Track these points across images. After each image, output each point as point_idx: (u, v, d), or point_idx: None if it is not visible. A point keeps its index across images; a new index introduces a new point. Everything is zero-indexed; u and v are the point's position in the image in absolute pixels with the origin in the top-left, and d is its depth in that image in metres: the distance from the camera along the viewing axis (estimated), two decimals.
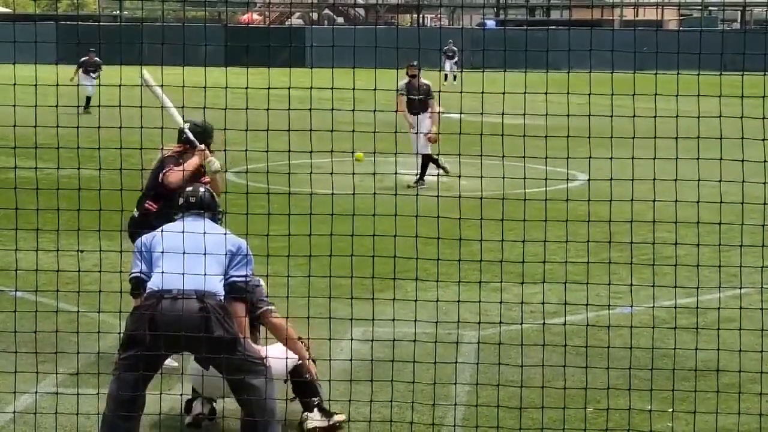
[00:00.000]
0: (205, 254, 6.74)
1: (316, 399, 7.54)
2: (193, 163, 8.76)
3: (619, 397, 7.72)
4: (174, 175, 8.70)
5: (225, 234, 7.08)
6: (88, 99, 31.97)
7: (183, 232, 6.82)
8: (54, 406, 7.40)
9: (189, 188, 7.57)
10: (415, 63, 19.76)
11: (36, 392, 7.89)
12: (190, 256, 6.71)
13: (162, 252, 6.85)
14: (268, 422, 6.71)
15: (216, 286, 6.76)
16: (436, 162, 19.68)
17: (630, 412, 7.31)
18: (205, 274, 6.65)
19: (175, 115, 8.85)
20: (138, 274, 6.99)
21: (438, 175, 18.58)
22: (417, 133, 19.09)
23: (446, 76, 47.69)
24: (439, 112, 19.79)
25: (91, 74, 32.69)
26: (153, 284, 6.75)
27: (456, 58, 49.73)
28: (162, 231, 7.07)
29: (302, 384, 7.44)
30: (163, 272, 6.73)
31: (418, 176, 19.54)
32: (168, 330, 6.56)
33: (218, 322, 6.59)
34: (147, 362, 6.62)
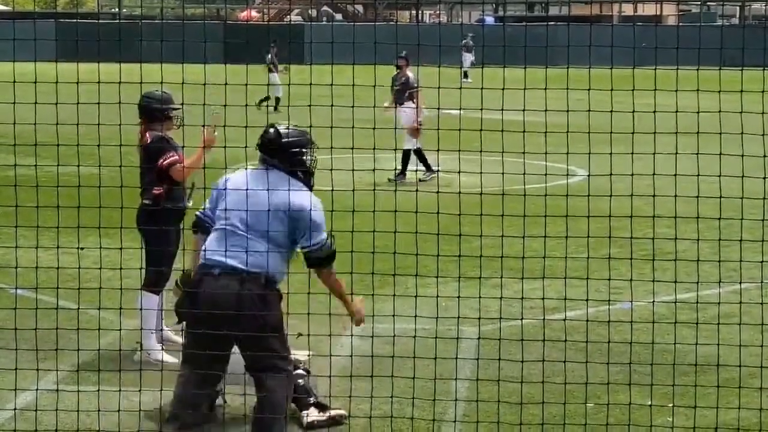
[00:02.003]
0: (264, 230, 6.63)
1: (311, 398, 7.56)
2: (199, 155, 8.81)
3: (619, 393, 7.73)
4: (179, 173, 8.75)
5: (291, 194, 6.68)
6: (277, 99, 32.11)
7: (246, 189, 6.66)
8: (54, 403, 7.41)
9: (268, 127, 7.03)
10: (403, 54, 19.96)
11: (36, 389, 7.89)
12: (248, 225, 6.61)
13: (223, 208, 6.75)
14: (275, 420, 6.70)
15: (271, 261, 6.63)
16: (424, 160, 19.63)
17: (630, 408, 7.32)
18: (259, 251, 6.58)
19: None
20: (200, 215, 6.95)
21: (416, 170, 18.74)
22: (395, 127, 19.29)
23: (466, 73, 46.72)
24: (418, 107, 19.73)
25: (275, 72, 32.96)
26: (203, 253, 6.72)
27: (473, 53, 49.36)
28: (238, 177, 6.86)
29: (295, 389, 7.47)
30: (214, 242, 6.68)
31: (398, 171, 19.25)
32: (208, 310, 6.52)
33: (253, 308, 6.54)
34: (204, 347, 6.59)
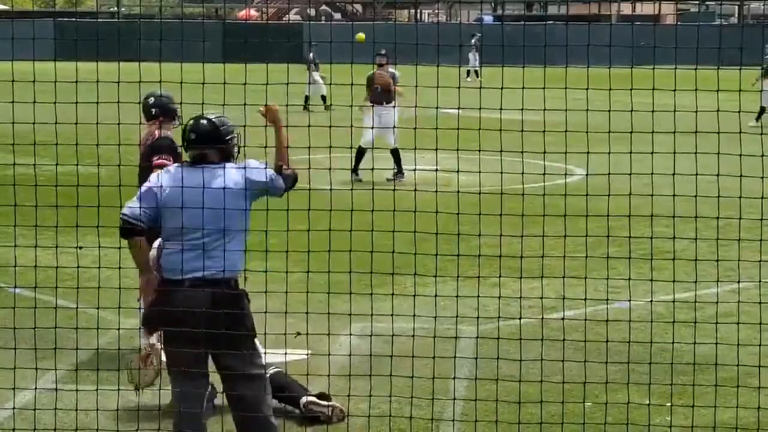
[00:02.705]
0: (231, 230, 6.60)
1: (304, 394, 7.58)
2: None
3: (617, 392, 7.73)
4: None
5: (233, 178, 6.57)
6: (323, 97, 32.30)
7: (191, 187, 6.48)
8: (53, 402, 7.41)
9: (190, 121, 6.82)
10: (383, 52, 19.75)
11: (35, 388, 7.89)
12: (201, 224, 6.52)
13: (175, 219, 6.53)
14: (260, 420, 6.68)
15: (232, 261, 6.60)
16: (399, 161, 19.60)
17: (628, 407, 7.32)
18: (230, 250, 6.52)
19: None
20: (130, 219, 6.54)
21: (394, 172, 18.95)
22: (372, 127, 19.11)
23: (468, 72, 47.03)
24: (395, 105, 19.63)
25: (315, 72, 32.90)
26: (167, 265, 6.58)
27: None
28: (175, 187, 6.57)
29: (282, 389, 7.49)
30: (177, 252, 6.54)
31: (395, 170, 19.20)
32: (184, 322, 6.44)
33: (230, 314, 6.52)
34: (188, 363, 6.55)
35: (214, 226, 6.50)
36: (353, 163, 18.26)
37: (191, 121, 6.77)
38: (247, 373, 6.58)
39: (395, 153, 19.47)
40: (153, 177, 6.70)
